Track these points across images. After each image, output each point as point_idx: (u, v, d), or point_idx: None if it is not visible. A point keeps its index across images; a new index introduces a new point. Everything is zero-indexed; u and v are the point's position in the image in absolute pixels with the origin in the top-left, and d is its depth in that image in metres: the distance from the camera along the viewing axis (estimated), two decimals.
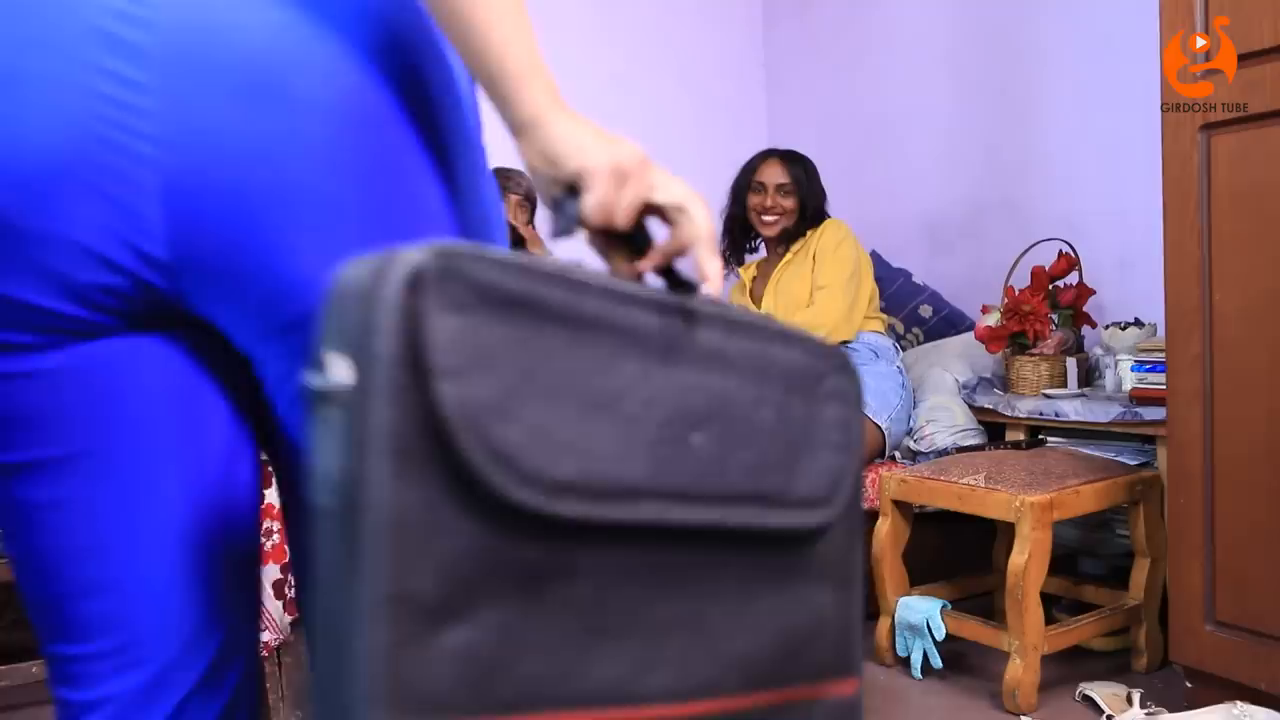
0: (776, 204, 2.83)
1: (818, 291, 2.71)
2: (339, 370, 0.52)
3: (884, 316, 2.90)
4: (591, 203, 0.68)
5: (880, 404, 2.57)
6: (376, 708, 0.50)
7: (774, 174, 2.84)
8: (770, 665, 0.69)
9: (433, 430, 0.53)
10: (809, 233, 2.82)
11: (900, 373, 2.70)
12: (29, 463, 0.74)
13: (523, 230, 3.07)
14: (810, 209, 2.83)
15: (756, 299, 2.90)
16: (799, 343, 0.73)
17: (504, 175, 3.19)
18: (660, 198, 0.72)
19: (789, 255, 2.84)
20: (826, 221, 2.83)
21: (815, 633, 0.73)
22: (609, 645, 0.60)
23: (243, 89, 0.68)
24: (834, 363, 0.75)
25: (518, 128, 0.71)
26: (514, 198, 3.14)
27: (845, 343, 2.69)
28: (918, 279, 3.20)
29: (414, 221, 0.75)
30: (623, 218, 0.70)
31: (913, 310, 3.13)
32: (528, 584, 0.57)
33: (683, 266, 0.75)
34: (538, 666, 0.57)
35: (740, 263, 3.03)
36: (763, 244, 3.01)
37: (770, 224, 2.85)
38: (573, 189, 0.69)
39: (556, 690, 0.58)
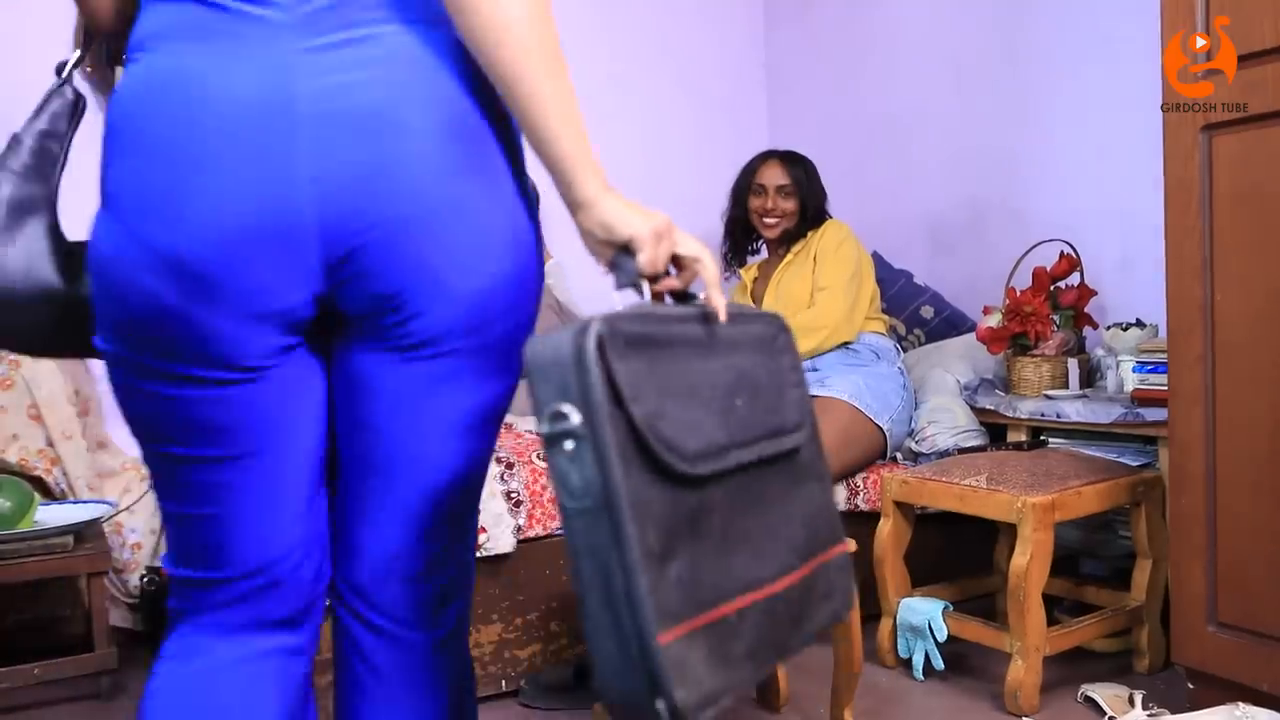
0: (777, 206, 2.82)
1: (818, 293, 2.70)
2: (572, 416, 0.82)
3: (885, 318, 2.89)
4: (643, 260, 0.95)
5: (881, 405, 2.56)
6: (654, 623, 0.81)
7: (774, 176, 2.84)
8: (807, 542, 1.03)
9: (633, 438, 0.84)
10: (809, 233, 2.81)
11: (901, 374, 2.70)
12: (211, 458, 1.00)
13: None
14: (811, 210, 2.82)
15: (757, 299, 2.90)
16: (757, 317, 1.07)
17: None
18: (682, 250, 0.99)
19: (789, 256, 2.83)
20: (827, 222, 2.82)
21: (819, 514, 1.07)
22: (735, 553, 0.93)
23: (368, 134, 0.92)
24: (779, 323, 1.09)
25: (575, 205, 0.97)
26: None
27: (846, 343, 2.69)
28: (919, 280, 3.20)
29: (497, 212, 0.98)
30: (662, 267, 0.97)
31: (914, 311, 3.12)
32: (692, 525, 0.88)
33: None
34: (711, 576, 0.89)
35: (742, 264, 3.03)
36: (764, 245, 3.01)
37: (771, 226, 2.84)
38: (625, 249, 0.96)
39: (724, 589, 0.90)
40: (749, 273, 2.99)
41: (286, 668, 1.08)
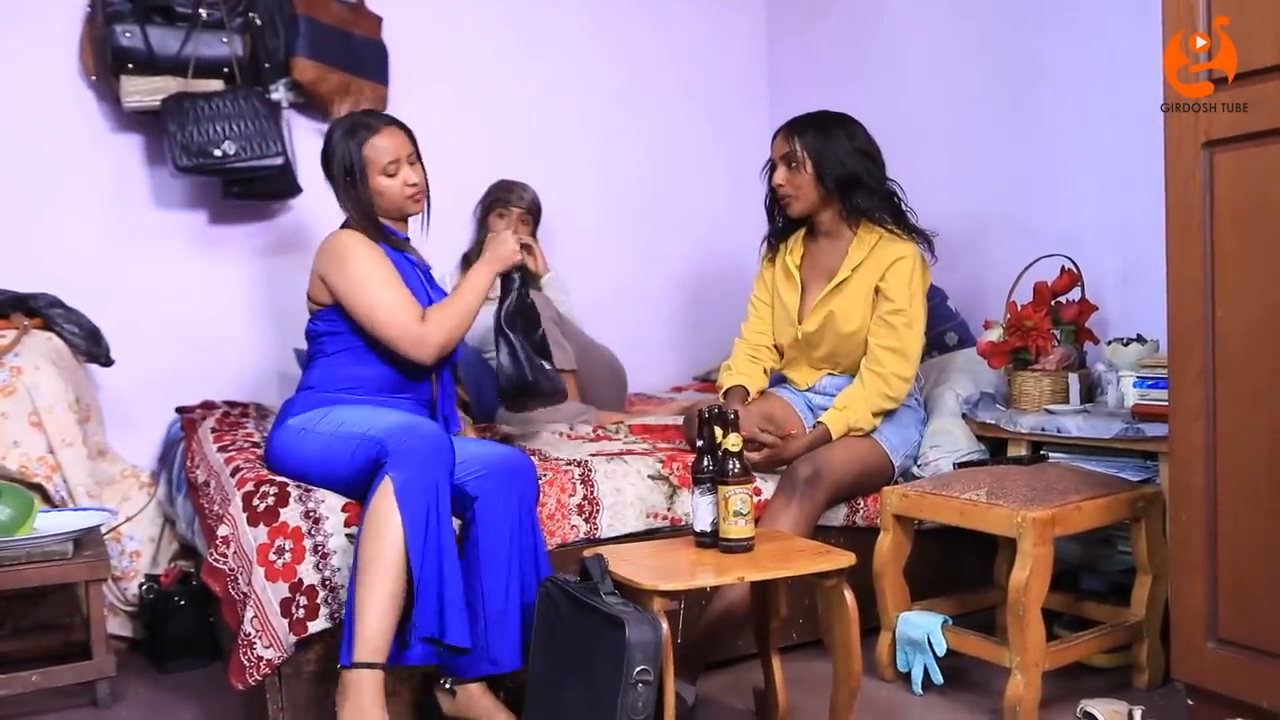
0: (785, 181, 2.52)
1: (889, 354, 2.46)
2: (650, 671, 1.60)
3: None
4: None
5: (900, 440, 2.52)
6: None
7: (777, 147, 2.55)
8: None
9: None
10: (860, 230, 2.52)
11: (919, 406, 2.66)
12: None
13: (527, 240, 3.09)
14: (833, 180, 2.47)
15: (804, 284, 2.61)
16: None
17: (507, 188, 3.20)
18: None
19: (846, 273, 2.51)
20: (899, 243, 2.50)
21: None
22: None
23: None
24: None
25: None
26: (516, 210, 3.15)
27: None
28: (951, 304, 3.08)
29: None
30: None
31: (939, 335, 3.02)
32: None
33: None
34: None
35: (783, 239, 2.69)
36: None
37: (787, 204, 2.55)
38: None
39: None
40: (793, 256, 2.65)
41: None
